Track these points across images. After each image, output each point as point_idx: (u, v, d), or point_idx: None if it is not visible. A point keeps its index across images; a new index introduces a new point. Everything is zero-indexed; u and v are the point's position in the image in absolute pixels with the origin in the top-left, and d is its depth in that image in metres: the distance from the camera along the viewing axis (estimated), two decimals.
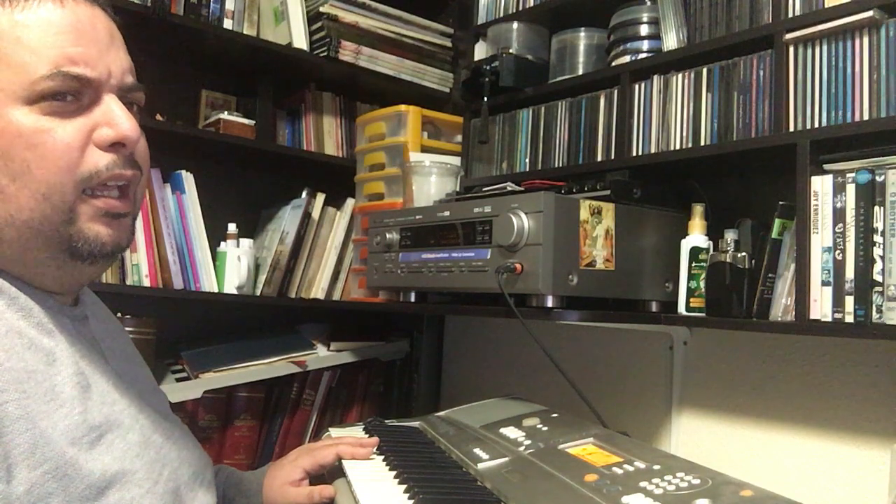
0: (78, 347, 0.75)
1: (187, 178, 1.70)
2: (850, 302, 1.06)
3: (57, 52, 0.70)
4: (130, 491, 0.72)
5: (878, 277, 1.03)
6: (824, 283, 1.09)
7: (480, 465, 1.00)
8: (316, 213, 1.86)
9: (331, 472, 1.08)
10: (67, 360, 0.72)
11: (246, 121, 1.78)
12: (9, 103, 0.69)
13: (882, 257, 1.03)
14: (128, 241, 0.78)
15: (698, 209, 1.32)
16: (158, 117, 1.73)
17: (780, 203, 1.20)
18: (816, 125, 1.13)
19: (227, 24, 1.72)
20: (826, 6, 1.13)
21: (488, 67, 1.59)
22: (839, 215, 1.08)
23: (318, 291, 1.86)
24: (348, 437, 1.16)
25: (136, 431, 0.77)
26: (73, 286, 0.80)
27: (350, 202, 1.88)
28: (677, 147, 1.31)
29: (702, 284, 1.29)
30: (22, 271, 0.74)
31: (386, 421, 1.36)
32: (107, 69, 0.74)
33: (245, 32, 1.75)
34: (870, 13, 1.06)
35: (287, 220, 1.85)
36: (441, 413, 1.41)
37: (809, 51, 1.15)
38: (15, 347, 0.68)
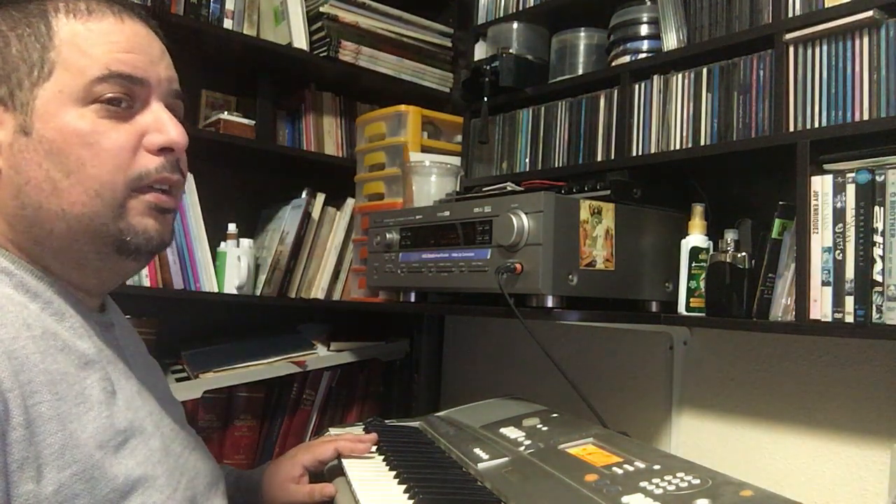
0: (106, 353, 0.77)
1: (187, 178, 1.69)
2: (850, 302, 1.06)
3: (110, 56, 0.75)
4: (152, 496, 0.73)
5: (878, 277, 1.03)
6: (824, 283, 1.09)
7: (480, 465, 1.00)
8: (316, 213, 1.86)
9: (330, 472, 1.08)
10: (97, 364, 0.74)
11: (246, 121, 1.78)
12: (68, 104, 0.73)
13: (882, 257, 1.03)
14: (170, 238, 0.82)
15: (698, 209, 1.32)
16: None
17: (780, 203, 1.20)
18: (816, 125, 1.13)
19: (227, 24, 1.72)
20: (826, 6, 1.13)
21: (488, 67, 1.59)
22: (839, 215, 1.08)
23: (318, 291, 1.86)
24: (347, 434, 1.16)
25: (157, 438, 0.78)
26: (111, 283, 0.83)
27: (350, 202, 1.88)
28: (677, 147, 1.31)
29: (702, 284, 1.29)
30: (63, 267, 0.76)
31: (386, 421, 1.36)
32: (157, 75, 0.78)
33: (245, 32, 1.75)
34: (870, 13, 1.06)
35: (287, 220, 1.85)
36: (441, 413, 1.41)
37: (809, 51, 1.15)
38: (50, 349, 0.69)
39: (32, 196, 0.73)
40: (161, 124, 0.78)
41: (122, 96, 0.75)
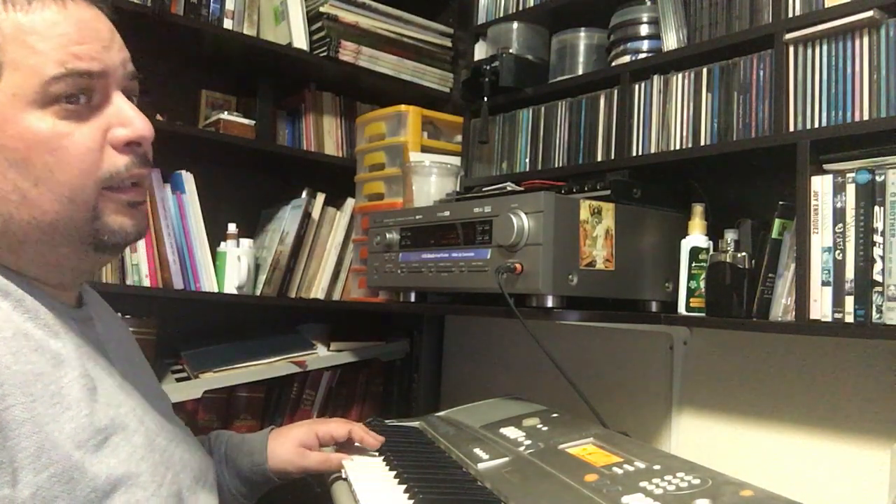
0: (84, 349, 0.75)
1: (187, 178, 1.70)
2: (850, 302, 1.06)
3: (63, 51, 0.71)
4: (135, 494, 0.72)
5: (878, 277, 1.03)
6: (824, 283, 1.09)
7: (480, 465, 1.00)
8: (316, 213, 1.86)
9: (330, 472, 1.08)
10: (74, 361, 0.72)
11: (246, 121, 1.78)
12: (23, 108, 0.69)
13: (882, 257, 1.03)
14: (146, 228, 0.81)
15: (698, 209, 1.32)
16: (158, 117, 1.73)
17: (780, 203, 1.20)
18: (816, 125, 1.13)
19: (227, 24, 1.72)
20: (826, 6, 1.13)
21: (488, 67, 1.59)
22: (839, 215, 1.08)
23: (318, 291, 1.86)
24: (359, 424, 1.17)
25: (141, 434, 0.77)
26: (86, 275, 0.82)
27: (350, 202, 1.88)
28: (677, 147, 1.31)
29: (702, 284, 1.29)
30: (39, 269, 0.75)
31: (386, 421, 1.36)
32: (112, 63, 0.75)
33: (245, 32, 1.75)
34: (870, 13, 1.06)
35: (287, 220, 1.85)
36: (441, 413, 1.41)
37: (809, 51, 1.15)
38: (22, 350, 0.68)
39: (1, 207, 0.70)
40: (125, 118, 0.75)
41: (81, 92, 0.72)
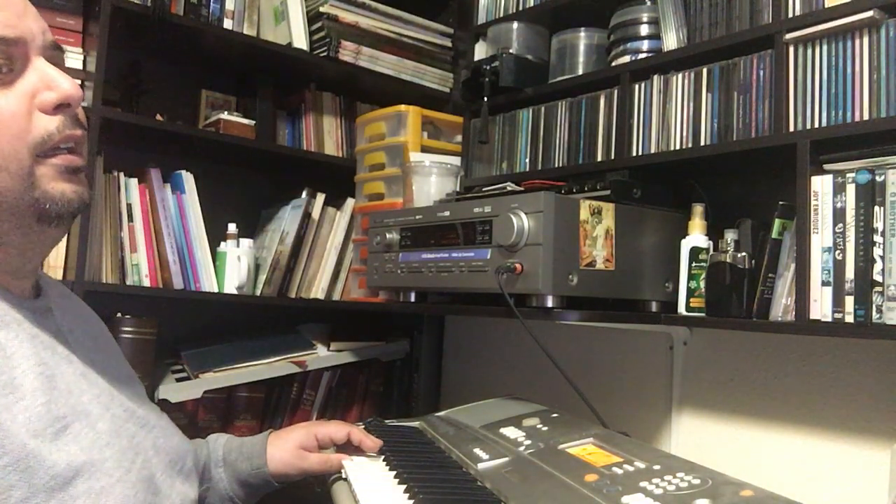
0: (41, 339, 0.75)
1: (187, 178, 1.70)
2: (850, 302, 1.06)
3: None
4: (100, 480, 0.71)
5: (878, 277, 1.03)
6: (824, 283, 1.09)
7: (480, 465, 1.00)
8: (316, 213, 1.86)
9: (330, 473, 1.08)
10: (28, 351, 0.72)
11: (246, 121, 1.78)
12: None
13: (882, 257, 1.03)
14: (90, 196, 0.79)
15: (698, 209, 1.32)
16: (158, 117, 1.73)
17: (780, 203, 1.20)
18: (816, 125, 1.13)
19: (227, 24, 1.72)
20: (826, 6, 1.13)
21: (488, 67, 1.59)
22: (839, 215, 1.08)
23: (318, 291, 1.86)
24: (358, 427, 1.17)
25: (106, 420, 0.76)
26: (36, 257, 0.80)
27: (350, 202, 1.88)
28: (677, 147, 1.31)
29: (702, 284, 1.29)
30: None
31: (386, 421, 1.36)
32: (28, 29, 0.74)
33: (245, 32, 1.75)
34: (870, 13, 1.06)
35: (287, 220, 1.85)
36: (441, 413, 1.41)
37: (809, 51, 1.15)
38: None
39: None
40: (50, 80, 0.74)
41: (1, 61, 0.71)
